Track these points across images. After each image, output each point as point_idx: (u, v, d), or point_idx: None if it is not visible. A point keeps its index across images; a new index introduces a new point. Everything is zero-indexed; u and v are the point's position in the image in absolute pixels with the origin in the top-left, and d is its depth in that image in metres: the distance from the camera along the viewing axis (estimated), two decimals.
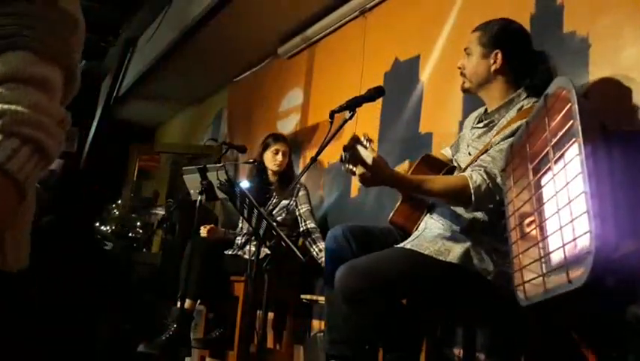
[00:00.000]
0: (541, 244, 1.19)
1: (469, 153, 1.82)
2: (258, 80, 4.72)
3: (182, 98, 6.03)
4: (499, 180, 1.59)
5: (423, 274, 1.65)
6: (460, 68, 1.85)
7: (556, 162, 1.12)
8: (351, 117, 1.81)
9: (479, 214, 1.72)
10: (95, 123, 6.10)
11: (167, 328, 2.82)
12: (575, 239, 1.03)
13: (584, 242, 0.99)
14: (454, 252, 1.66)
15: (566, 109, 1.09)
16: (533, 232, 1.25)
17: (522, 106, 1.72)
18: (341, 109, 1.80)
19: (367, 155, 1.52)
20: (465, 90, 1.87)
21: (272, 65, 4.53)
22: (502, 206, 1.63)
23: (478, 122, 1.86)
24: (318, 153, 1.87)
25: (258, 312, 2.49)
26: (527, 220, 1.30)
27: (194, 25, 4.27)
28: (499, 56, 1.76)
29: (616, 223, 0.96)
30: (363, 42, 3.39)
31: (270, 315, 3.32)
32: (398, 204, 1.95)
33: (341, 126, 1.84)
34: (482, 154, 1.72)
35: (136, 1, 4.92)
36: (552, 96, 1.17)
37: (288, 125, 4.09)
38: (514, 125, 1.63)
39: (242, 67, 4.86)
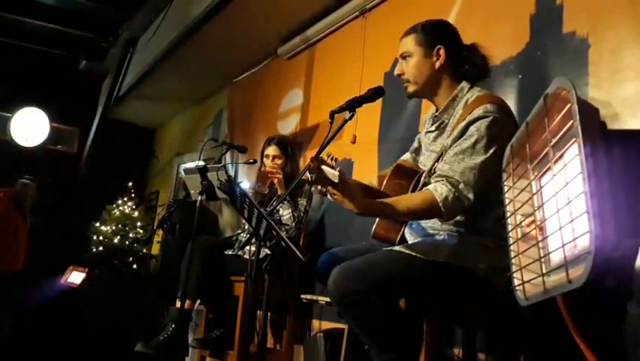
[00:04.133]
0: (541, 244, 1.19)
1: (430, 157, 1.84)
2: (258, 81, 4.73)
3: (182, 99, 6.04)
4: (461, 185, 1.61)
5: (414, 275, 1.65)
6: (399, 74, 1.84)
7: (555, 162, 1.12)
8: (351, 117, 1.81)
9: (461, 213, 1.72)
10: (95, 124, 6.11)
11: (165, 328, 2.82)
12: (574, 239, 1.03)
13: (584, 242, 0.99)
14: (442, 251, 1.66)
15: (565, 109, 1.09)
16: (533, 232, 1.25)
17: (467, 100, 1.74)
18: (341, 109, 1.80)
19: (333, 174, 1.53)
20: (411, 95, 1.86)
21: (272, 66, 4.53)
22: (482, 204, 1.64)
23: (431, 125, 1.88)
24: (318, 154, 1.87)
25: (258, 312, 2.49)
26: (527, 220, 1.30)
27: (194, 25, 4.27)
28: (442, 51, 1.77)
29: (616, 223, 0.96)
30: (363, 42, 3.40)
31: (270, 315, 3.32)
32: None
33: (341, 126, 1.84)
34: (439, 158, 1.73)
35: (136, 1, 4.93)
36: (552, 96, 1.17)
37: (288, 126, 4.09)
38: (461, 126, 1.66)
39: (242, 67, 4.87)
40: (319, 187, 1.57)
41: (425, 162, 1.89)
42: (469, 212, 1.69)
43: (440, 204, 1.59)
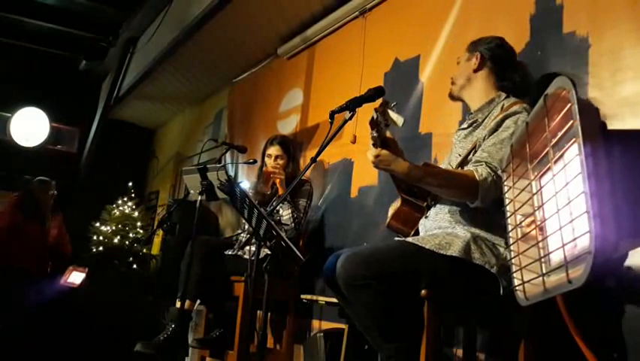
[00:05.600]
0: (541, 244, 1.19)
1: (459, 155, 1.86)
2: (258, 80, 4.73)
3: (182, 99, 6.04)
4: (500, 172, 1.63)
5: (424, 267, 1.66)
6: (451, 78, 2.03)
7: (556, 162, 1.12)
8: (351, 117, 1.82)
9: (476, 211, 1.73)
10: (95, 124, 6.11)
11: (165, 328, 2.82)
12: (574, 239, 1.03)
13: (584, 242, 0.99)
14: (455, 245, 1.66)
15: (565, 109, 1.09)
16: (533, 232, 1.25)
17: (503, 105, 1.82)
18: (341, 109, 1.80)
19: (398, 117, 1.55)
20: (450, 95, 2.01)
21: (272, 65, 4.53)
22: (498, 202, 1.64)
23: (465, 122, 1.94)
24: (319, 154, 1.87)
25: (258, 312, 2.49)
26: (527, 220, 1.30)
27: (194, 25, 4.27)
28: (479, 56, 1.94)
29: (616, 223, 0.96)
30: (363, 42, 3.40)
31: (270, 315, 3.32)
32: (397, 206, 1.94)
33: (341, 126, 1.84)
34: (471, 151, 1.77)
35: (136, 1, 4.93)
36: (552, 96, 1.17)
37: (288, 126, 4.09)
38: (498, 119, 1.74)
39: (242, 67, 4.87)
40: (375, 132, 1.62)
41: (453, 160, 1.91)
42: (482, 210, 1.70)
43: (479, 183, 1.64)
